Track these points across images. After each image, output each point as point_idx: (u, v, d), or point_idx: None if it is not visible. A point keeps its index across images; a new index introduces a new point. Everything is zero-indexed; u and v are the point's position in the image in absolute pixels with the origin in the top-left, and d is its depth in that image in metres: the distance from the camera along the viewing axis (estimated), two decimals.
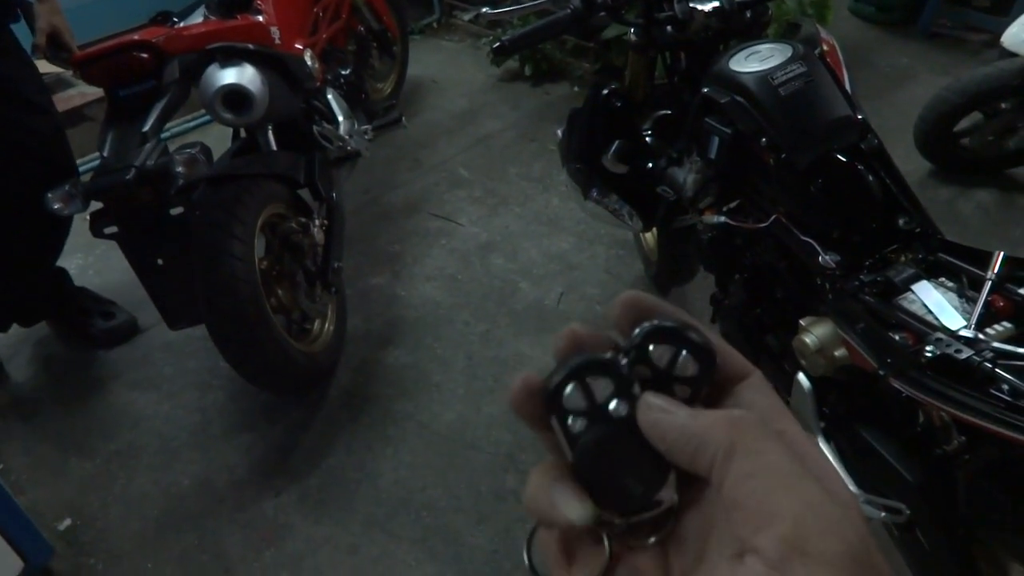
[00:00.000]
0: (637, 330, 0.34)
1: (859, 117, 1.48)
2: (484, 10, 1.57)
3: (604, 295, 2.59)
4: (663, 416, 0.31)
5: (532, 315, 2.54)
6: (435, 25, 4.29)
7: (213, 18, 2.15)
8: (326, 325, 2.27)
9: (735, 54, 1.55)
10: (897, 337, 1.26)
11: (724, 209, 1.64)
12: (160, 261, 1.87)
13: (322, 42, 2.53)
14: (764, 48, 1.54)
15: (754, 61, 1.51)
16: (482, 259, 2.76)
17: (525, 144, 3.34)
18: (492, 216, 2.96)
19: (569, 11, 1.47)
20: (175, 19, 2.15)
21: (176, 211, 1.77)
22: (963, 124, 2.88)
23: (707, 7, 1.65)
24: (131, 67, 1.87)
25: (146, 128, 1.79)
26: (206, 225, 1.87)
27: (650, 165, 1.87)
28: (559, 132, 2.08)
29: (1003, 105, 2.74)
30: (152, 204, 1.78)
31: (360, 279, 2.68)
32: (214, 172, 1.98)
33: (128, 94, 1.89)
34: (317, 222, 2.15)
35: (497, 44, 1.42)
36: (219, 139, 2.62)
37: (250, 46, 1.90)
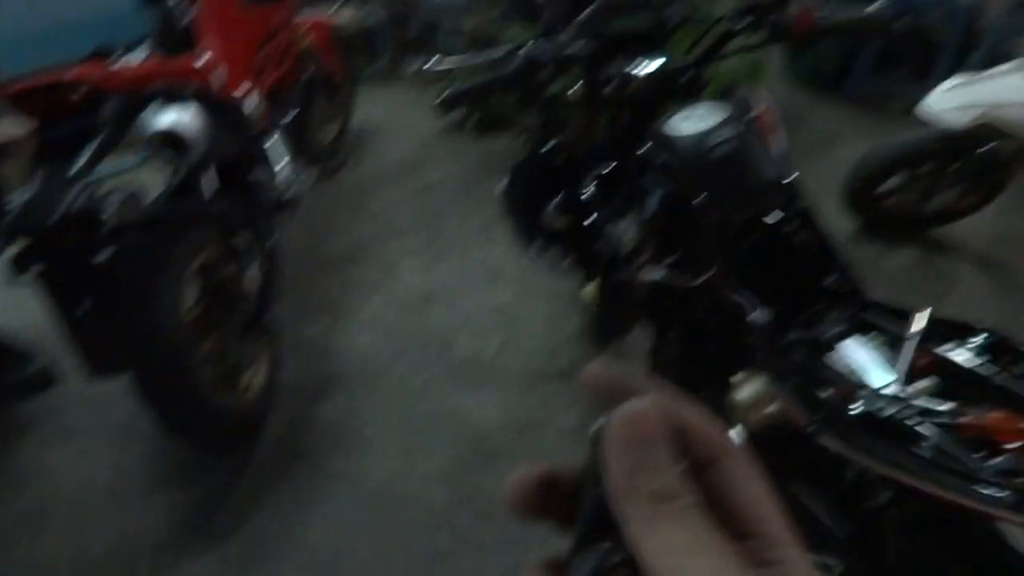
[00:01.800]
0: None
1: (787, 180, 1.53)
2: (425, 64, 1.57)
3: (544, 347, 2.59)
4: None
5: (469, 368, 2.51)
6: (382, 74, 4.32)
7: (156, 55, 2.11)
8: (257, 376, 2.20)
9: (672, 115, 1.58)
10: (826, 393, 1.29)
11: (661, 265, 1.66)
12: (84, 307, 1.79)
13: (267, 85, 2.51)
14: (701, 110, 1.58)
15: (690, 123, 1.55)
16: (421, 310, 2.73)
17: (468, 194, 3.36)
18: (432, 266, 2.94)
19: (513, 68, 1.49)
20: (116, 54, 2.12)
21: (103, 255, 1.71)
22: (887, 185, 3.01)
23: (648, 68, 1.69)
24: (65, 105, 1.82)
25: (76, 169, 1.73)
26: (134, 270, 1.81)
27: (590, 220, 1.90)
28: (500, 185, 2.09)
29: (923, 168, 2.88)
30: (78, 248, 1.71)
31: (296, 328, 2.62)
32: (145, 215, 1.92)
33: (61, 132, 1.83)
34: (252, 269, 2.10)
35: (440, 99, 1.43)
36: (156, 180, 2.55)
37: (190, 89, 1.87)
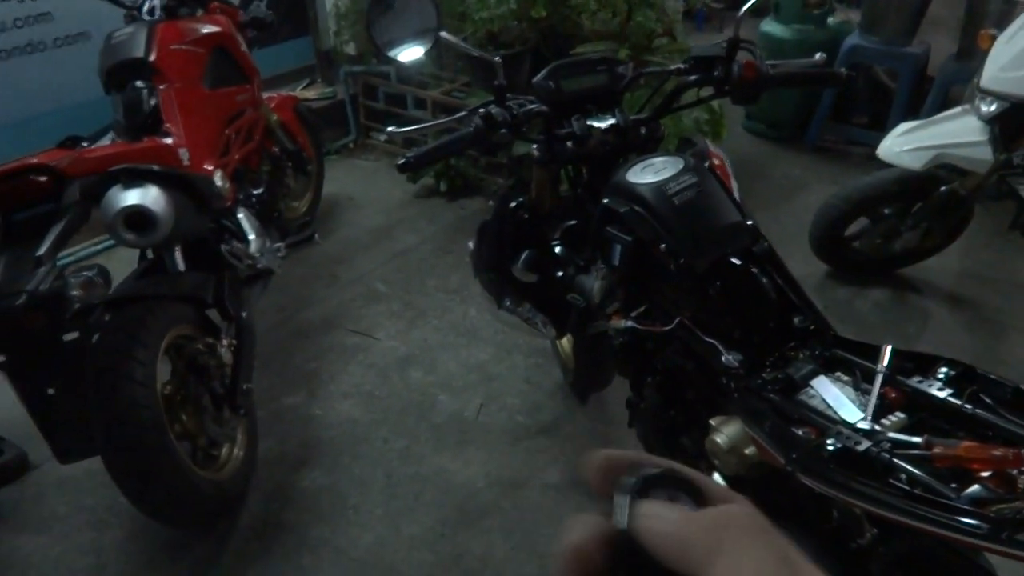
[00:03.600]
0: (633, 481, 0.34)
1: (749, 223, 1.57)
2: (391, 128, 1.61)
3: (524, 404, 2.58)
4: (655, 522, 0.31)
5: (452, 428, 2.49)
6: (351, 145, 4.39)
7: (120, 141, 2.14)
8: (235, 450, 2.17)
9: (632, 167, 1.63)
10: (800, 432, 1.30)
11: (631, 314, 1.67)
12: (51, 390, 1.77)
13: (234, 163, 2.55)
14: (658, 161, 1.62)
15: (649, 173, 1.59)
16: (400, 373, 2.72)
17: (442, 257, 3.39)
18: (410, 329, 2.94)
19: (472, 129, 1.53)
20: (84, 143, 2.14)
21: (70, 337, 1.70)
22: (853, 229, 3.07)
23: (604, 124, 1.74)
24: (28, 190, 1.83)
25: (41, 251, 1.73)
26: (105, 350, 1.80)
27: (559, 274, 1.92)
28: (470, 244, 2.12)
29: (886, 210, 2.95)
30: (45, 330, 1.70)
31: (274, 399, 2.60)
32: (115, 294, 1.93)
33: (24, 217, 1.83)
34: (225, 342, 2.09)
35: (402, 161, 1.46)
36: (127, 261, 2.55)
37: (154, 167, 1.89)
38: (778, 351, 1.52)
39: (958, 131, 2.62)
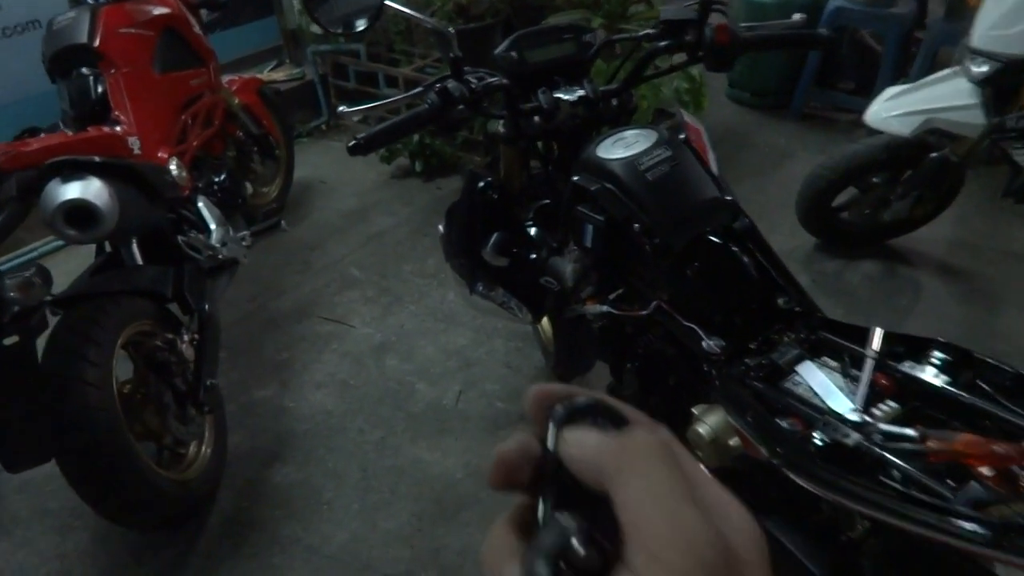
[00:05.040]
0: (562, 410, 0.36)
1: (728, 198, 1.47)
2: (342, 107, 1.50)
3: (504, 390, 2.49)
4: (575, 447, 0.34)
5: (430, 417, 2.41)
6: (323, 127, 4.25)
7: (69, 132, 2.01)
8: (203, 447, 2.08)
9: (602, 141, 1.52)
10: (786, 424, 1.22)
11: (608, 298, 1.58)
12: None
13: (192, 149, 2.43)
14: (630, 134, 1.52)
15: (620, 147, 1.49)
16: (376, 361, 2.63)
17: (418, 240, 3.28)
18: (386, 315, 2.85)
19: (427, 105, 1.43)
20: (43, 135, 2.03)
21: (10, 340, 1.60)
22: (841, 199, 2.98)
23: (572, 96, 1.64)
24: None
25: None
26: (54, 352, 1.71)
27: (532, 256, 1.82)
28: (440, 227, 2.02)
29: (874, 179, 2.86)
30: None
31: (245, 392, 2.50)
32: (66, 293, 1.82)
33: None
34: (186, 338, 1.99)
35: (352, 143, 1.35)
36: (88, 257, 2.44)
37: (95, 158, 1.77)
38: (762, 335, 1.43)
39: (948, 94, 2.51)
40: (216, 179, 2.53)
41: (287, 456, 2.28)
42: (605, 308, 1.57)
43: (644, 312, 1.48)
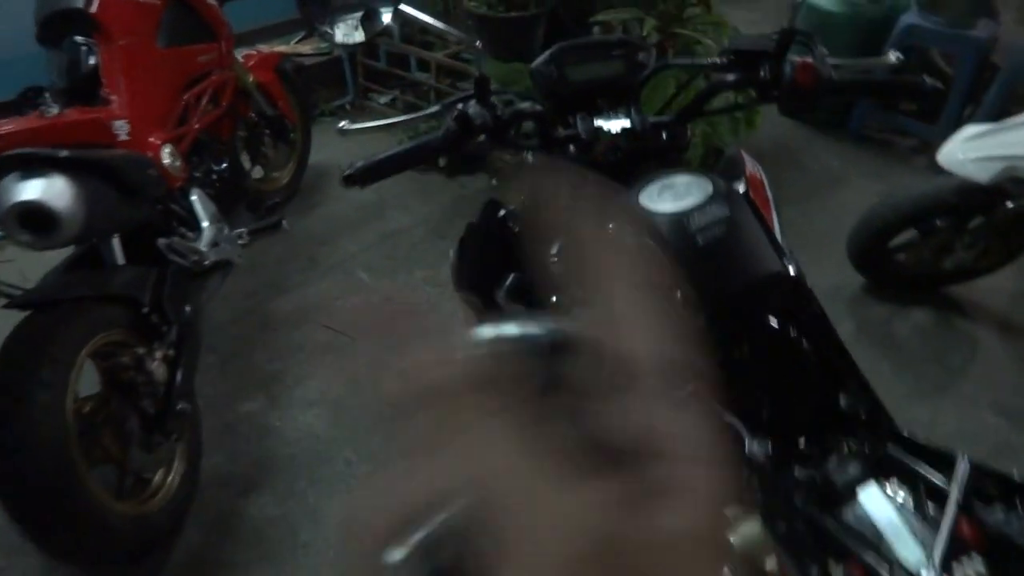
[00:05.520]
0: None
1: (792, 271, 1.22)
2: (343, 124, 1.28)
3: None
4: None
5: None
6: (348, 107, 4.02)
7: (54, 110, 1.79)
8: (171, 476, 1.87)
9: (646, 186, 1.28)
10: (840, 568, 0.99)
11: None
12: None
13: (193, 133, 2.21)
14: (680, 181, 1.28)
15: (668, 198, 1.24)
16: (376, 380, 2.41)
17: (435, 243, 3.05)
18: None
19: (442, 133, 1.20)
20: (46, 94, 1.81)
21: None
22: (898, 240, 2.71)
23: (615, 127, 1.39)
24: None
25: None
26: (6, 366, 1.51)
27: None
28: (452, 253, 1.79)
29: (939, 223, 2.58)
30: None
31: (229, 406, 2.29)
32: (22, 299, 1.62)
33: None
34: (159, 355, 1.78)
35: (347, 173, 1.13)
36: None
37: (61, 152, 1.54)
38: (817, 441, 1.20)
39: None
40: (216, 167, 2.31)
41: (266, 485, 2.07)
42: None
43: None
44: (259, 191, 2.91)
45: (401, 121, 1.29)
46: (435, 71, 3.54)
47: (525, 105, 1.28)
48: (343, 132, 1.25)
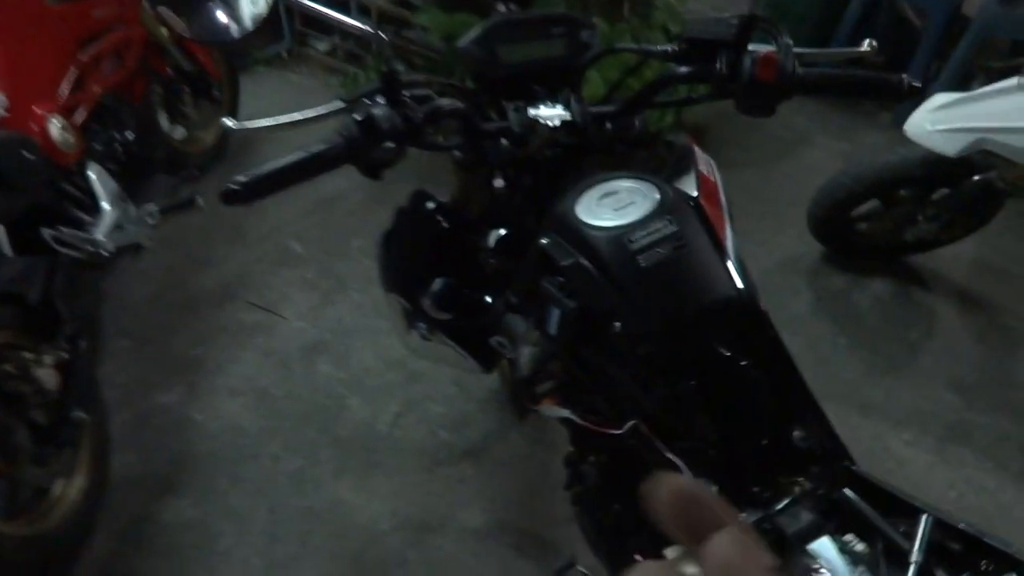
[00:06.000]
0: None
1: (745, 294, 1.08)
2: (228, 121, 1.08)
3: (450, 416, 2.14)
4: None
5: (359, 445, 2.06)
6: (284, 55, 3.72)
7: None
8: (72, 485, 1.71)
9: (584, 192, 1.12)
10: None
11: (570, 401, 1.21)
12: None
13: (93, 98, 1.97)
14: (623, 187, 1.12)
15: (607, 209, 1.09)
16: (306, 365, 2.25)
17: (374, 209, 2.84)
18: (325, 305, 2.45)
19: (342, 140, 1.02)
20: None
21: None
22: (861, 210, 2.59)
23: (553, 119, 1.22)
24: None
25: None
26: None
27: (484, 304, 1.44)
28: (377, 249, 1.61)
29: (902, 193, 2.47)
30: None
31: (144, 396, 2.11)
32: None
33: None
34: (48, 360, 1.59)
35: (227, 189, 0.94)
36: None
37: None
38: (769, 480, 1.08)
39: (1008, 112, 2.10)
40: (121, 136, 2.08)
41: (183, 486, 1.92)
42: (566, 414, 1.20)
43: (615, 432, 1.12)
44: (182, 153, 2.67)
45: (301, 119, 1.10)
46: (375, 17, 3.27)
47: (444, 102, 1.10)
48: (230, 130, 1.05)
